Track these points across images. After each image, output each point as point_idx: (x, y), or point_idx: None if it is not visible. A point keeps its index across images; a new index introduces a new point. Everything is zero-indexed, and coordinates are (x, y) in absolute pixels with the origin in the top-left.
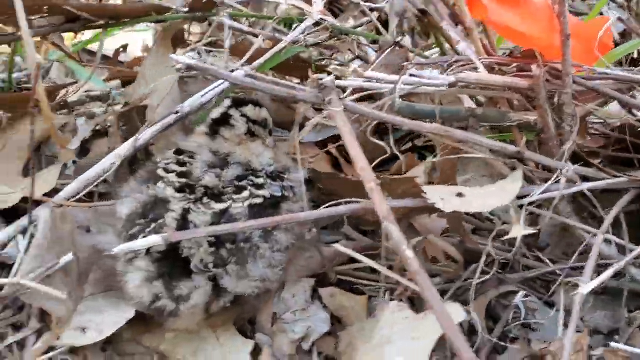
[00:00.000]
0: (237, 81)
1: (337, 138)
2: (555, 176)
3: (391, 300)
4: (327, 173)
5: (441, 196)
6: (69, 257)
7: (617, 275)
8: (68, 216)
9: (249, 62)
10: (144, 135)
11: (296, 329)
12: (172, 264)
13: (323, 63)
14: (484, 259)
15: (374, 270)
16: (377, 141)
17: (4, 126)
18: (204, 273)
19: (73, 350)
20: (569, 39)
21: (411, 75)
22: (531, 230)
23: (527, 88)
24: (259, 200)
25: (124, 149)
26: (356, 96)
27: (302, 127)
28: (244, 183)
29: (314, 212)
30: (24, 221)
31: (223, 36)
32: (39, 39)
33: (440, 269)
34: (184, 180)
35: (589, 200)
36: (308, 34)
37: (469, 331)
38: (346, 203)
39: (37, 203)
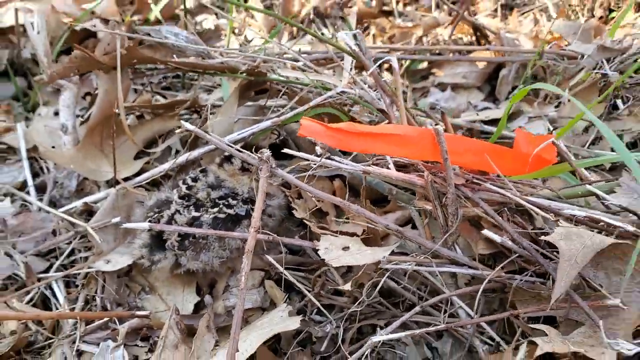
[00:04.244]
0: (216, 144)
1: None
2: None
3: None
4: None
5: (328, 246)
6: (116, 219)
7: None
8: (128, 195)
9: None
10: (194, 152)
11: (231, 300)
12: (157, 241)
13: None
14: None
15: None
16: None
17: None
18: (172, 250)
19: (99, 273)
20: (447, 160)
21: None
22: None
23: (421, 186)
24: (222, 215)
25: (181, 158)
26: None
27: None
28: (221, 202)
29: (225, 232)
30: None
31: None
32: None
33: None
34: (187, 191)
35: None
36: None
37: None
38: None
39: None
